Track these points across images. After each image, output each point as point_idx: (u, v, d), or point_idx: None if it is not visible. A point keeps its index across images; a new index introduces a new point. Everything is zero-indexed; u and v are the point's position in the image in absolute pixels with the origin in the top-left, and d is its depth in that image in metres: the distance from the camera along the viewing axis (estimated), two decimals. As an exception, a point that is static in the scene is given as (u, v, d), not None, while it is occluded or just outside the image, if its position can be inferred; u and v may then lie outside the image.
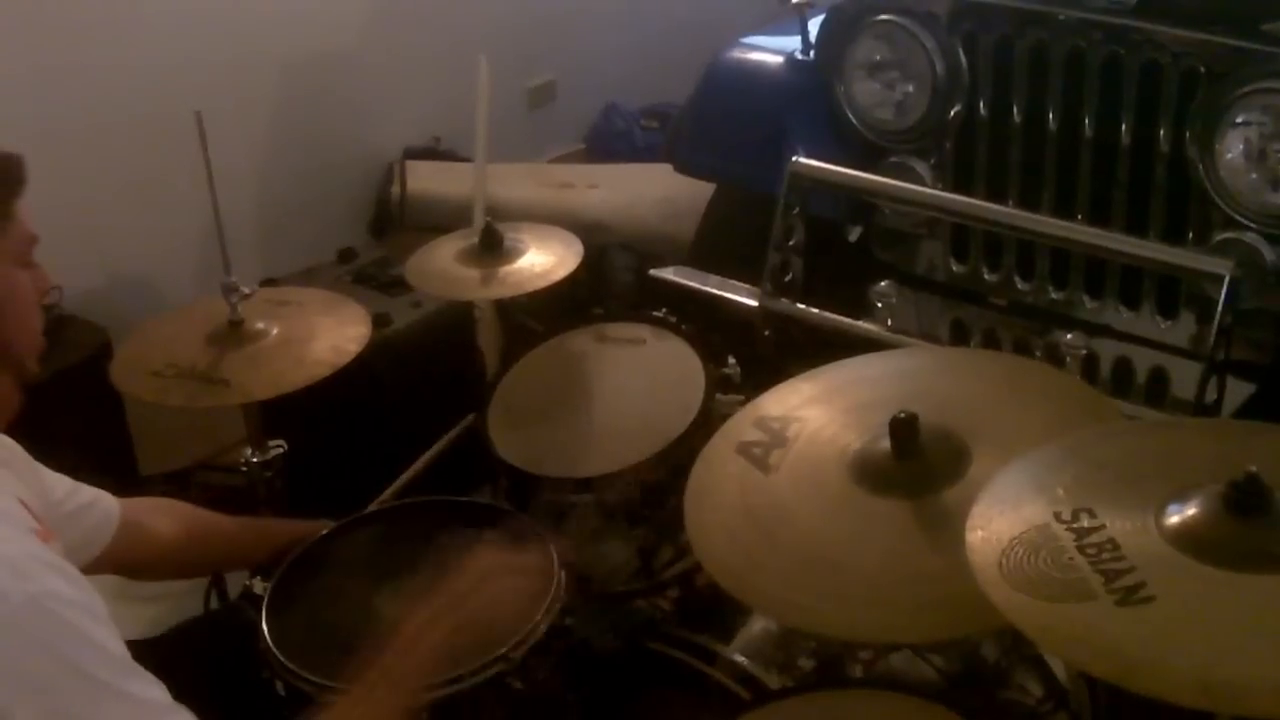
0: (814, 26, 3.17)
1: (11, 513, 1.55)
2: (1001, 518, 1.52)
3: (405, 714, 1.72)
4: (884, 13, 2.95)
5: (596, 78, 5.03)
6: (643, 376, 2.58)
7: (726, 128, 3.36)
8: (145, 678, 1.46)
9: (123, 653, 1.48)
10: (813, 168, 2.93)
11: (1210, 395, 2.42)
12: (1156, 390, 2.73)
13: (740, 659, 2.19)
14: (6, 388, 1.65)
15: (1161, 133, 2.63)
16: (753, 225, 3.10)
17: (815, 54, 3.17)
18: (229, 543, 2.26)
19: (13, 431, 1.75)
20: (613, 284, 3.95)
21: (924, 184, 2.98)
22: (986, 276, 2.99)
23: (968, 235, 2.99)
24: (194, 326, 2.48)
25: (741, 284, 3.06)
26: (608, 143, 5.03)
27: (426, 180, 4.28)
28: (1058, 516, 1.50)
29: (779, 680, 2.15)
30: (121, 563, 2.06)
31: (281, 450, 2.54)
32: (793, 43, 3.26)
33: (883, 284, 2.87)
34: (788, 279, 2.96)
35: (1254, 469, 1.41)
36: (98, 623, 1.44)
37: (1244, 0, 2.66)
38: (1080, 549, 1.44)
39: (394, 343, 3.22)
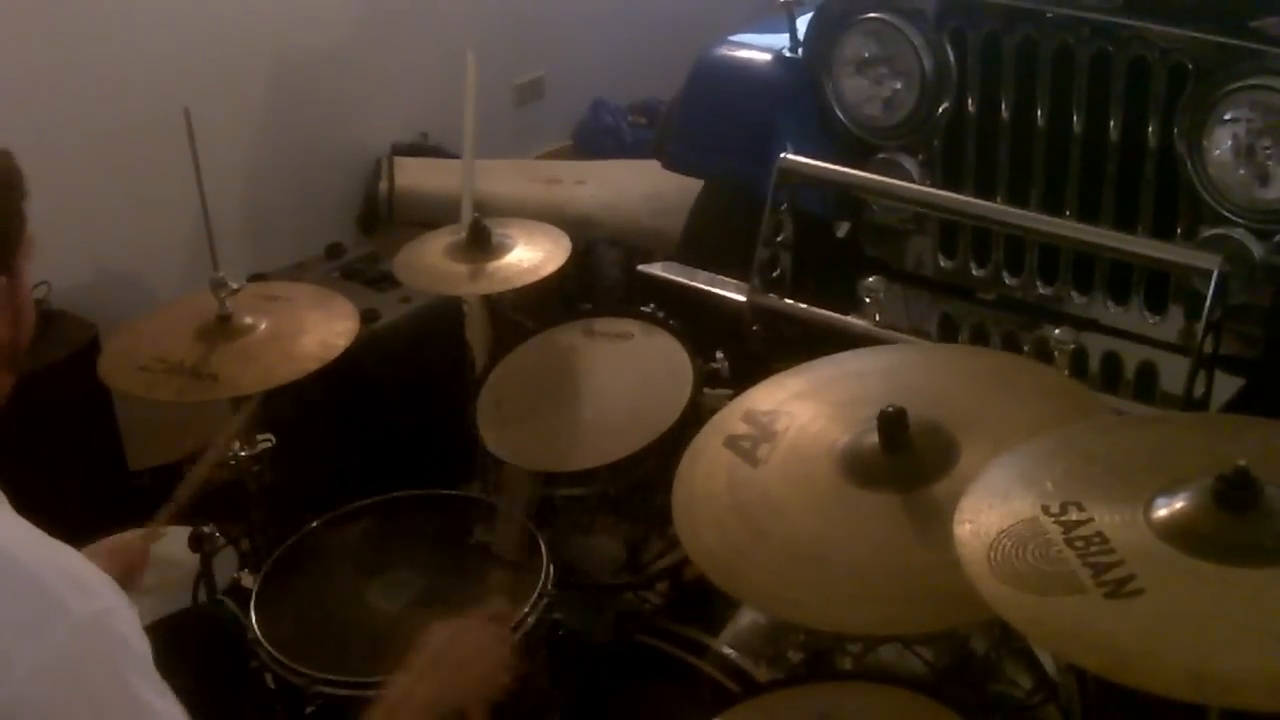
0: (802, 24, 3.17)
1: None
2: (990, 511, 1.52)
3: None
4: (872, 10, 2.95)
5: (584, 74, 5.02)
6: (631, 371, 2.58)
7: (715, 125, 3.35)
8: (168, 694, 1.47)
9: (153, 667, 1.48)
10: (801, 164, 2.92)
11: (1199, 390, 2.42)
12: (1145, 385, 2.73)
13: (729, 652, 2.20)
14: (4, 381, 1.65)
15: (1150, 129, 2.64)
16: (741, 221, 3.10)
17: (803, 51, 3.17)
18: None
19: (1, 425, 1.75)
20: (601, 279, 3.94)
21: (912, 180, 2.97)
22: (975, 272, 2.99)
23: (956, 231, 2.99)
24: (182, 321, 2.47)
25: (729, 279, 3.05)
26: (596, 139, 5.02)
27: (414, 176, 4.27)
28: (1045, 510, 1.50)
29: (768, 673, 2.15)
30: None
31: (270, 445, 2.53)
32: (780, 40, 3.25)
33: (871, 279, 2.86)
34: (776, 274, 2.96)
35: (1243, 463, 1.41)
36: (143, 641, 1.45)
37: (1231, -3, 2.67)
38: (1068, 542, 1.44)
39: (382, 338, 3.21)
